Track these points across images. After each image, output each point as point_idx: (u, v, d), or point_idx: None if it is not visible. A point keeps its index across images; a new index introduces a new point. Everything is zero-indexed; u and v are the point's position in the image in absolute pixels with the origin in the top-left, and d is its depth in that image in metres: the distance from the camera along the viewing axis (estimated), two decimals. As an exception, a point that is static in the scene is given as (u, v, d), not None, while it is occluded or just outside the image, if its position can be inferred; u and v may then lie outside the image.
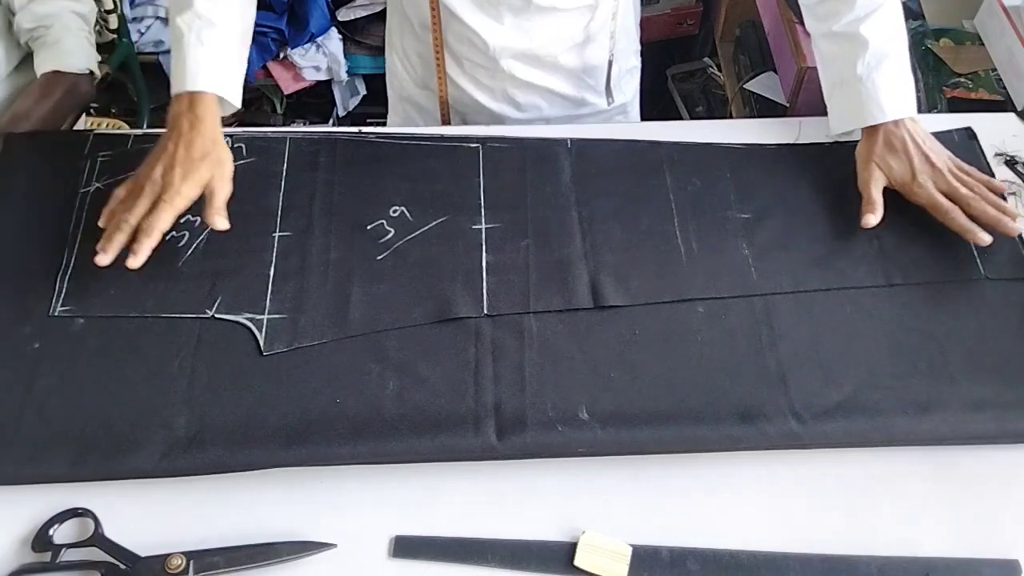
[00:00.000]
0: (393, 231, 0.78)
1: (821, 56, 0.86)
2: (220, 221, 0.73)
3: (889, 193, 0.81)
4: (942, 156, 0.80)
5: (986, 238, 0.75)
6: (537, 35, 0.91)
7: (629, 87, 1.06)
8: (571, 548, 0.61)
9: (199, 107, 0.75)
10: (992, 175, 0.83)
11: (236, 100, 0.79)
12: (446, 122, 1.00)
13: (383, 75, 1.90)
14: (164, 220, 0.71)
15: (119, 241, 0.71)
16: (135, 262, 0.70)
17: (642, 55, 1.15)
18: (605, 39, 0.95)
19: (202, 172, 0.73)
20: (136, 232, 0.71)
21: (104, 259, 0.71)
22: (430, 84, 0.99)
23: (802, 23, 1.48)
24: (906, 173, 0.78)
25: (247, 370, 0.68)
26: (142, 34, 1.79)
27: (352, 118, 1.94)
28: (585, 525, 0.62)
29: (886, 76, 0.80)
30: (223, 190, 0.74)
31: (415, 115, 1.05)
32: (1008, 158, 0.85)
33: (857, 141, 0.85)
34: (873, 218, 0.77)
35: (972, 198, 0.77)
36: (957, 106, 1.19)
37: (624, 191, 0.81)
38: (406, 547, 0.61)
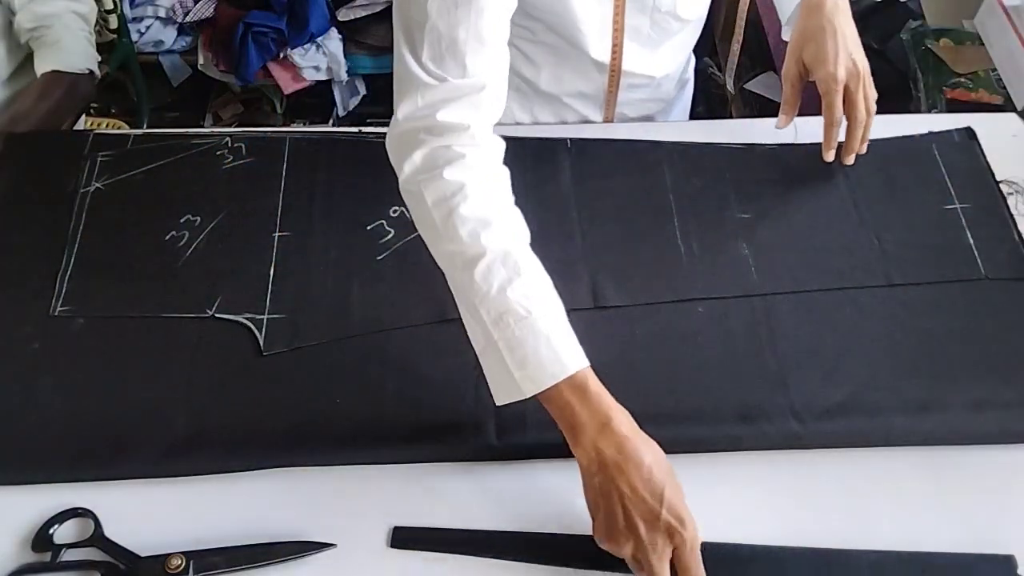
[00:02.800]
0: (393, 231, 0.78)
1: None
2: None
3: (890, 192, 0.81)
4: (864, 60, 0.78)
5: (830, 158, 0.79)
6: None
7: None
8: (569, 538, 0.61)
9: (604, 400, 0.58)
10: (992, 174, 0.84)
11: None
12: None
13: (383, 75, 1.91)
14: None
15: None
16: None
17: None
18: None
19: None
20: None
21: None
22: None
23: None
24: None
25: (247, 370, 0.68)
26: (142, 34, 1.79)
27: (352, 118, 1.94)
28: (584, 525, 0.62)
29: None
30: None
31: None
32: None
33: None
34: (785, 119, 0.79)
35: (862, 124, 0.78)
36: (957, 106, 1.19)
37: (624, 191, 0.81)
38: (404, 539, 0.61)
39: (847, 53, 0.77)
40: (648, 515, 0.55)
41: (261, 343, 0.70)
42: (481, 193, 0.62)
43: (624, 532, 0.56)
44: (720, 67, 1.83)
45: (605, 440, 0.57)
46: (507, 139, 0.84)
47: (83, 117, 1.09)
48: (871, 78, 0.79)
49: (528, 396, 0.58)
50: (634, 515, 0.55)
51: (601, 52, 0.83)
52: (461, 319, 0.71)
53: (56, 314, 0.71)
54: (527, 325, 0.58)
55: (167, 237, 0.76)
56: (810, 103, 0.83)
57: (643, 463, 0.56)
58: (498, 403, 0.60)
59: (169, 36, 1.81)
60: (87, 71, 1.02)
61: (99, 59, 1.05)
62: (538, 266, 0.62)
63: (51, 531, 0.60)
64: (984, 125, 0.88)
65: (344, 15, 1.77)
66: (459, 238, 0.60)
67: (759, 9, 1.66)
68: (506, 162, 0.83)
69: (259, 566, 0.59)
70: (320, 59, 1.77)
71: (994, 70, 1.20)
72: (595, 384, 0.58)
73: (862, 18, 1.47)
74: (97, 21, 1.29)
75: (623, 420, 0.58)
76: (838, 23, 0.78)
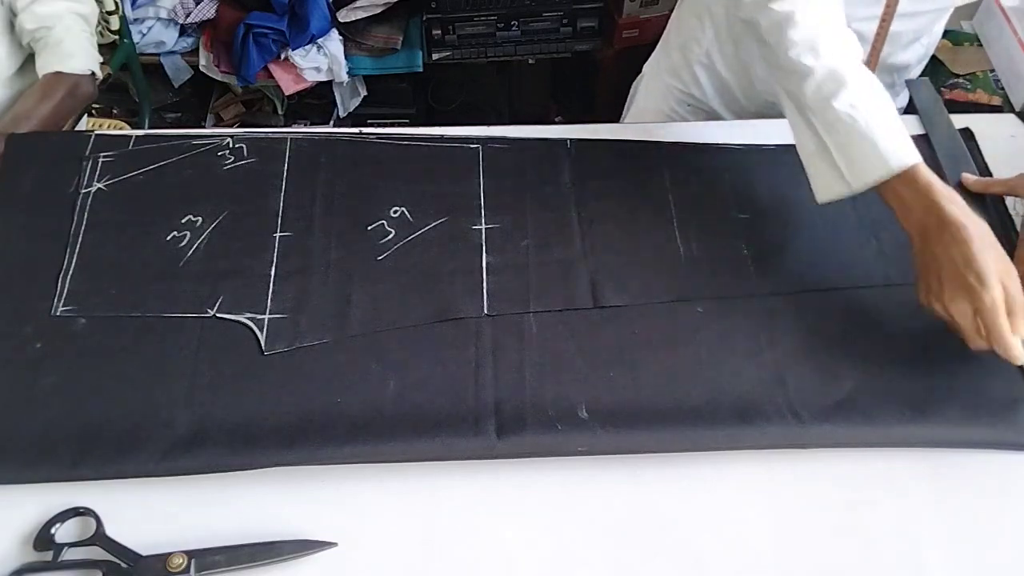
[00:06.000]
0: (394, 232, 0.78)
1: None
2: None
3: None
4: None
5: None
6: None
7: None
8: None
9: (933, 188, 0.67)
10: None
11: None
12: None
13: (384, 76, 1.92)
14: None
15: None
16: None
17: (640, 56, 1.15)
18: (928, 39, 0.96)
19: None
20: None
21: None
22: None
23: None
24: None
25: (248, 370, 0.69)
26: (143, 35, 1.79)
27: (353, 119, 1.94)
28: (585, 524, 0.63)
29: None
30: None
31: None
32: None
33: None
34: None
35: None
36: (955, 107, 1.19)
37: (623, 191, 0.82)
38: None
39: None
40: (955, 277, 0.64)
41: (262, 343, 0.70)
42: (810, 19, 0.72)
43: (935, 292, 0.66)
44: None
45: (930, 217, 0.67)
46: (507, 140, 0.85)
47: (85, 118, 1.09)
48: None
49: (856, 191, 0.70)
50: (943, 276, 0.65)
51: None
52: (461, 319, 0.72)
53: (58, 314, 0.72)
54: (854, 130, 0.68)
55: (168, 237, 0.77)
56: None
57: (962, 236, 0.65)
58: (821, 200, 0.73)
59: (170, 37, 1.81)
60: (89, 72, 1.02)
61: (101, 60, 1.06)
62: (865, 77, 0.71)
63: (52, 530, 0.61)
64: (982, 126, 0.89)
65: (345, 16, 1.77)
66: (790, 59, 0.72)
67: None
68: (507, 164, 0.83)
69: (260, 565, 0.59)
70: (321, 60, 1.77)
71: (992, 71, 1.21)
72: (925, 177, 0.68)
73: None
74: (99, 22, 1.30)
75: (950, 200, 0.67)
76: None
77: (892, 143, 0.68)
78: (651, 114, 1.11)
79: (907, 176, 0.68)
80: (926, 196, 0.67)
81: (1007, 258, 0.66)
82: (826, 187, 0.72)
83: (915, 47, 0.98)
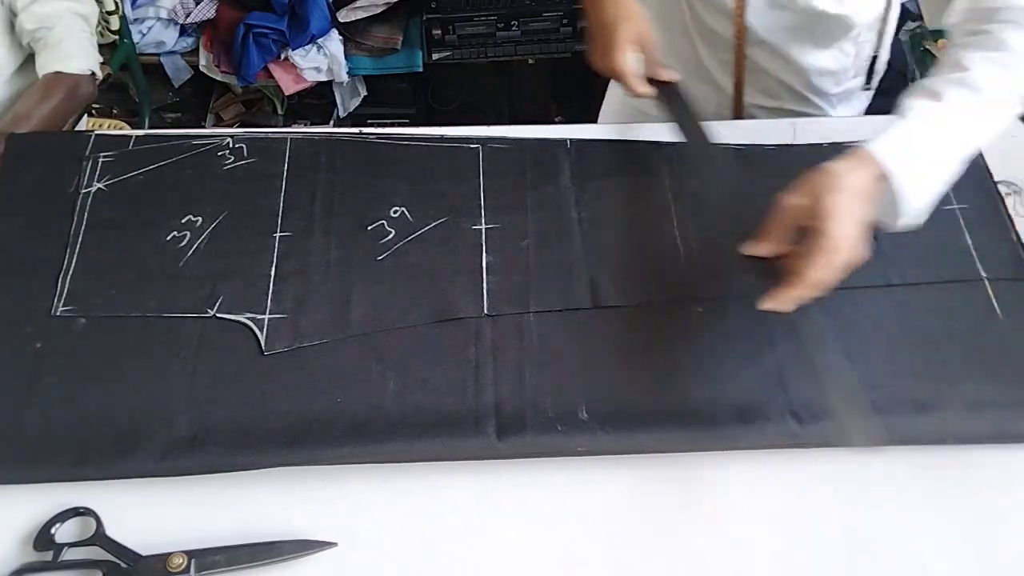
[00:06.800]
0: (394, 231, 0.78)
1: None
2: None
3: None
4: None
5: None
6: None
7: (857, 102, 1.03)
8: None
9: None
10: (991, 175, 0.84)
11: None
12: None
13: (384, 76, 1.92)
14: None
15: None
16: None
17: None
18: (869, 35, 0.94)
19: None
20: None
21: None
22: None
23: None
24: None
25: (248, 370, 0.69)
26: (143, 35, 1.79)
27: (353, 119, 1.94)
28: (585, 524, 0.63)
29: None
30: None
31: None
32: None
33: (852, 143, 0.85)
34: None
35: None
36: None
37: (624, 191, 0.82)
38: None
39: None
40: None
41: (262, 343, 0.70)
42: None
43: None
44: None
45: None
46: (507, 140, 0.85)
47: (85, 118, 1.09)
48: None
49: None
50: None
51: None
52: (461, 319, 0.72)
53: (58, 314, 0.72)
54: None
55: (168, 237, 0.77)
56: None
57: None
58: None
59: (170, 37, 1.81)
60: (89, 72, 1.02)
61: (101, 60, 1.06)
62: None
63: (53, 530, 0.61)
64: (983, 126, 0.88)
65: (345, 16, 1.77)
66: None
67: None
68: (507, 164, 0.83)
69: (260, 565, 0.59)
70: (321, 60, 1.77)
71: (993, 71, 1.20)
72: None
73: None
74: (99, 22, 1.30)
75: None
76: None
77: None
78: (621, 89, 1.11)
79: None
80: None
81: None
82: None
83: (831, 52, 0.94)
